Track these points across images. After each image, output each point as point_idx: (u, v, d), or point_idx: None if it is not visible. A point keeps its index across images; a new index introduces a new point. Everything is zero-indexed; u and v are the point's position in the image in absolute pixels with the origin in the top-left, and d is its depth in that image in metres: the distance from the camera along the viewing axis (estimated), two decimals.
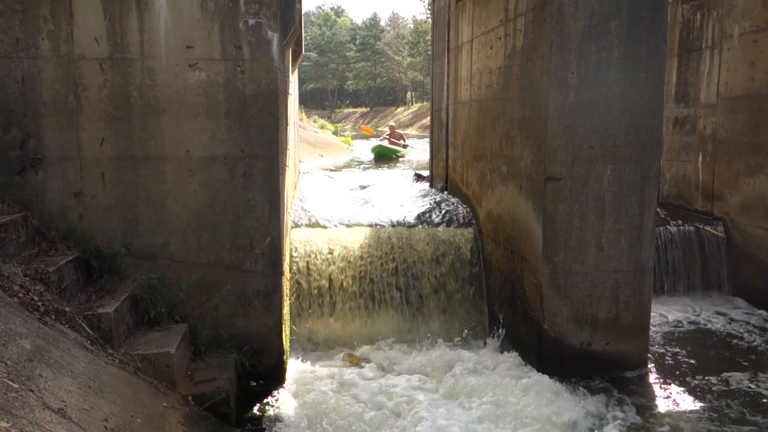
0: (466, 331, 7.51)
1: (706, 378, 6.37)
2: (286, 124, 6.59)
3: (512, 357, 6.67)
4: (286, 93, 6.36)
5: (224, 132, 5.54)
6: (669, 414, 5.69)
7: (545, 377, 6.03)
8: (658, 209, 8.56)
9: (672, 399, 5.96)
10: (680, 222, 9.19)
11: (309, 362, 6.61)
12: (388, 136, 25.05)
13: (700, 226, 9.12)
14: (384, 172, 16.07)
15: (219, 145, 5.54)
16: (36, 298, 4.30)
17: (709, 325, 7.94)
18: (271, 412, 5.30)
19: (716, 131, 9.23)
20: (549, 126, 6.05)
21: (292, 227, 7.70)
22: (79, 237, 5.35)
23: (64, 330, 4.21)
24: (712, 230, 9.09)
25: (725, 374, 6.43)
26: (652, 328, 7.30)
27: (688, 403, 5.88)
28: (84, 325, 4.48)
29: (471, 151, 8.74)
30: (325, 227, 8.03)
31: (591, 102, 6.01)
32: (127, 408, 3.81)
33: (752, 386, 6.16)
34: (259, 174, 5.62)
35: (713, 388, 6.13)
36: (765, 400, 5.85)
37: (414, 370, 6.49)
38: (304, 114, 28.76)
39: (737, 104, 8.80)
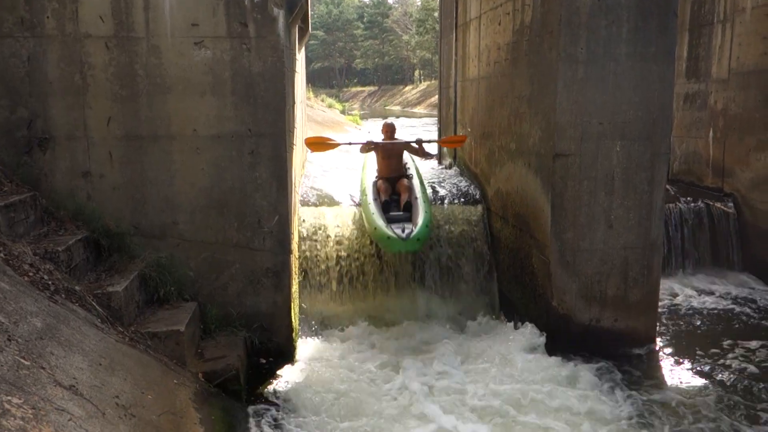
0: (474, 309, 7.50)
1: (714, 354, 6.37)
2: (293, 103, 6.56)
3: (523, 331, 6.65)
4: (292, 71, 6.33)
5: (231, 110, 5.52)
6: (676, 388, 5.72)
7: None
8: (667, 186, 8.50)
9: (679, 374, 5.98)
10: (690, 199, 9.13)
11: (319, 339, 6.65)
12: (380, 144, 9.30)
13: (710, 203, 9.06)
14: None
15: (226, 123, 5.52)
16: (46, 277, 4.32)
17: (718, 302, 7.91)
18: (281, 388, 5.34)
19: (728, 106, 9.12)
20: (558, 102, 5.99)
21: (300, 205, 7.69)
22: (88, 216, 5.37)
23: (74, 308, 4.24)
24: (722, 207, 9.02)
25: (733, 350, 6.43)
26: (661, 305, 7.28)
27: (695, 378, 5.89)
28: (94, 304, 4.50)
29: (479, 129, 8.69)
30: (333, 205, 8.03)
31: (600, 77, 5.95)
32: (137, 385, 3.84)
33: (759, 361, 6.15)
34: (266, 152, 5.60)
35: (721, 364, 6.13)
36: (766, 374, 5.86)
37: (423, 345, 6.52)
38: (311, 93, 28.63)
39: (749, 79, 8.68)
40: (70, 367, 3.39)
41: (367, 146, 8.20)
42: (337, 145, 8.38)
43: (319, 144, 8.31)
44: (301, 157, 9.19)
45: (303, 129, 10.48)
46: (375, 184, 8.00)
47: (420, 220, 6.82)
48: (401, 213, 7.37)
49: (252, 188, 5.63)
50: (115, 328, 4.51)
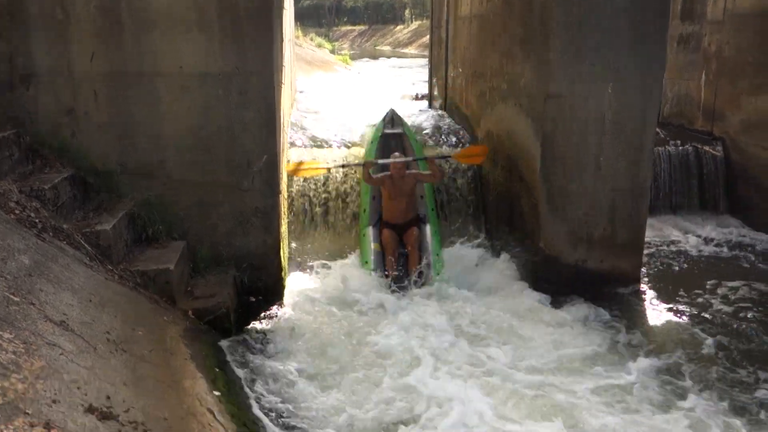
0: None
1: (697, 293, 6.51)
2: (282, 40, 6.43)
3: (510, 274, 6.75)
4: (280, 7, 6.18)
5: (218, 47, 5.39)
6: (658, 325, 5.91)
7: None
8: (657, 129, 8.47)
9: (662, 312, 6.14)
10: (679, 142, 9.13)
11: (307, 278, 6.70)
12: (386, 178, 7.02)
13: (699, 146, 9.07)
14: (382, 91, 15.83)
15: (213, 61, 5.41)
16: (33, 215, 4.30)
17: (703, 244, 8.03)
18: (270, 326, 5.41)
19: (721, 49, 9.03)
20: (551, 42, 5.91)
21: (289, 146, 7.64)
22: (74, 155, 5.30)
23: (62, 246, 4.24)
24: (710, 150, 9.04)
25: (715, 290, 6.58)
26: (647, 247, 7.38)
27: (677, 315, 6.06)
28: (82, 242, 4.50)
29: (470, 69, 8.59)
30: (322, 147, 7.99)
31: (595, 17, 5.85)
32: (128, 322, 3.88)
33: (738, 300, 6.33)
34: (254, 91, 5.51)
35: (702, 303, 6.29)
36: (751, 314, 6.03)
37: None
38: (300, 32, 28.08)
39: (745, 21, 8.57)
40: (60, 303, 3.41)
41: (373, 179, 6.87)
42: (326, 169, 7.26)
43: (303, 170, 7.01)
44: (290, 97, 9.07)
45: (292, 68, 10.32)
46: (377, 230, 6.82)
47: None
48: (407, 284, 6.40)
49: (240, 128, 5.56)
50: (104, 266, 4.52)
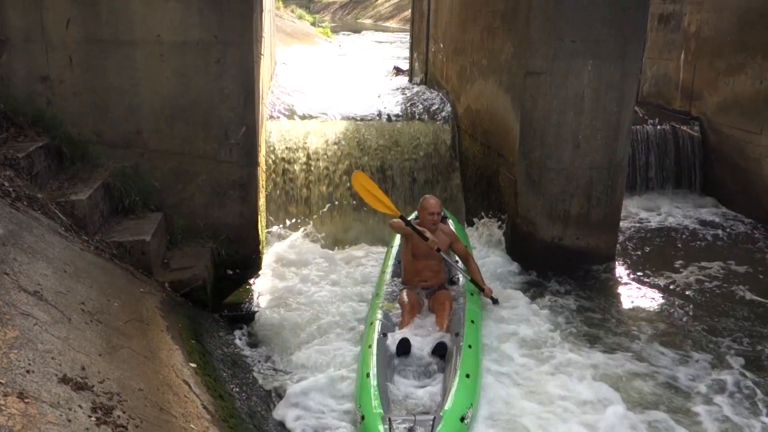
0: None
1: (670, 270, 6.64)
2: (261, 10, 6.34)
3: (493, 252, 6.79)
4: None
5: (196, 16, 5.30)
6: (629, 300, 6.06)
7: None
8: (636, 108, 8.55)
9: (634, 288, 6.28)
10: (657, 121, 9.21)
11: (285, 251, 6.69)
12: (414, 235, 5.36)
13: (677, 126, 9.15)
14: (362, 65, 15.71)
15: (191, 29, 5.32)
16: (6, 184, 4.23)
17: (678, 223, 8.15)
18: (246, 299, 5.42)
19: (701, 29, 9.08)
20: (532, 17, 5.90)
21: (268, 119, 7.58)
22: (49, 123, 5.21)
23: (36, 216, 4.18)
24: (688, 130, 9.13)
25: (687, 268, 6.71)
26: (623, 224, 7.47)
27: (648, 291, 6.20)
28: (57, 212, 4.45)
29: (452, 44, 8.55)
30: (302, 119, 7.93)
31: None
32: (103, 293, 3.85)
33: (709, 277, 6.45)
34: (233, 61, 5.44)
35: (675, 280, 6.41)
36: (720, 290, 6.17)
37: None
38: (281, 3, 27.71)
39: (725, 1, 8.61)
40: (34, 273, 3.38)
41: (402, 227, 5.33)
42: (389, 209, 5.53)
43: (367, 191, 5.58)
44: (269, 69, 8.98)
45: (271, 39, 10.20)
46: (395, 292, 5.31)
47: (449, 403, 3.77)
48: (424, 361, 4.47)
49: (218, 98, 5.50)
50: (79, 236, 4.47)
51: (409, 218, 5.42)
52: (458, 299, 5.19)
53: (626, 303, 5.97)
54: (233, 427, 3.49)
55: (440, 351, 4.44)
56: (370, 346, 4.39)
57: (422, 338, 4.63)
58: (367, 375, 4.06)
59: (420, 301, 5.15)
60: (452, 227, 5.86)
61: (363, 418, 3.72)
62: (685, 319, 5.58)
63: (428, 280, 5.30)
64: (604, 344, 5.09)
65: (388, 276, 5.58)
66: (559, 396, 4.24)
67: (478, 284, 5.30)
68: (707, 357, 4.94)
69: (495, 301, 5.32)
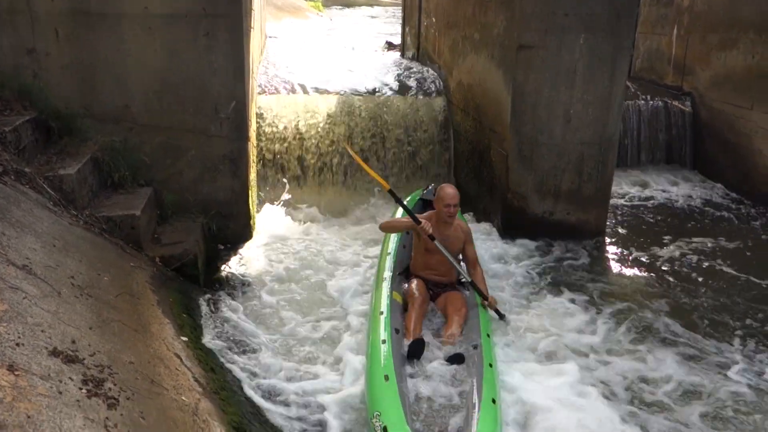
0: None
1: (659, 245, 6.66)
2: None
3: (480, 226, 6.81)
4: None
5: None
6: (618, 274, 6.07)
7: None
8: (628, 83, 8.54)
9: (623, 262, 6.30)
10: (649, 96, 9.20)
11: (277, 225, 6.68)
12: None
13: (668, 101, 9.15)
14: (354, 40, 15.56)
15: (179, 1, 5.26)
16: None
17: (668, 198, 8.18)
18: (237, 273, 5.42)
19: (694, 3, 9.03)
20: None
21: (259, 93, 7.52)
22: (36, 97, 5.15)
23: (24, 190, 4.15)
24: (679, 105, 9.13)
25: (675, 242, 6.74)
26: (614, 199, 7.49)
27: (637, 265, 6.21)
28: (46, 186, 4.41)
29: (444, 18, 8.48)
30: (292, 94, 7.86)
31: None
32: (93, 267, 3.84)
33: (698, 252, 6.48)
34: (222, 34, 5.38)
35: (663, 255, 6.43)
36: (707, 265, 6.21)
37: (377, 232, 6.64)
38: None
39: None
40: (22, 247, 3.36)
41: (396, 227, 5.15)
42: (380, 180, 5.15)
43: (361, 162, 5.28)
44: (259, 43, 8.89)
45: (261, 13, 10.08)
46: (403, 280, 4.94)
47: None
48: (438, 368, 4.04)
49: (208, 72, 5.45)
50: (68, 211, 4.45)
51: (414, 195, 5.52)
52: (471, 307, 4.68)
53: (615, 276, 6.00)
54: (225, 399, 3.51)
55: (457, 360, 4.06)
56: (383, 342, 3.98)
57: (433, 340, 4.31)
58: (386, 377, 3.64)
59: (427, 293, 4.70)
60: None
61: (385, 430, 3.33)
62: (671, 293, 5.61)
63: (443, 276, 4.82)
64: (590, 317, 5.12)
65: (389, 262, 5.11)
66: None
67: (482, 293, 4.78)
68: (690, 329, 4.99)
69: (501, 316, 4.81)
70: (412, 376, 3.92)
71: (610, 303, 5.34)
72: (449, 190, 4.81)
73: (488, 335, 4.31)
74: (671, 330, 4.95)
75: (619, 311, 5.20)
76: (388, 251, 5.25)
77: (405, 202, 5.22)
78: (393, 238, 5.40)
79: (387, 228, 5.07)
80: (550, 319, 4.96)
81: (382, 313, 4.31)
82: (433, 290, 4.78)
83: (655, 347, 4.69)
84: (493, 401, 3.59)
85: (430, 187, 6.37)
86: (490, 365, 3.92)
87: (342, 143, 5.59)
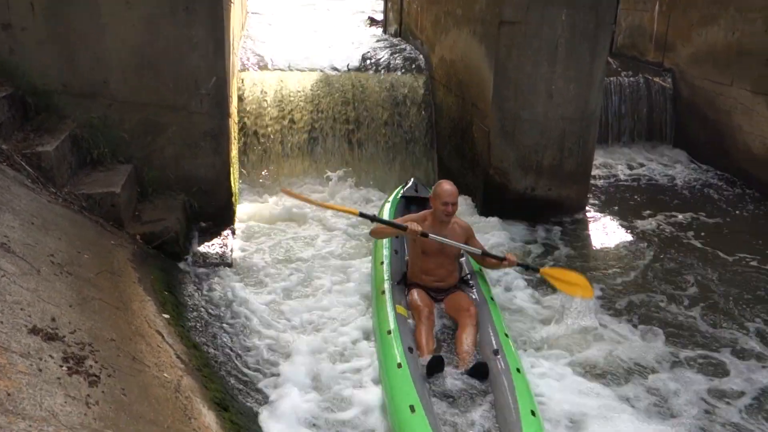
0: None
1: (638, 219, 6.79)
2: None
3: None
4: None
5: None
6: (598, 247, 6.21)
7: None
8: (610, 60, 8.55)
9: (603, 236, 6.42)
10: (630, 73, 9.22)
11: (259, 203, 6.67)
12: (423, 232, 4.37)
13: (649, 78, 9.18)
14: (336, 15, 15.41)
15: None
16: None
17: (649, 174, 8.27)
18: (219, 250, 5.40)
19: None
20: None
21: (240, 69, 7.45)
22: (11, 72, 5.06)
23: (1, 168, 4.10)
24: (660, 81, 9.16)
25: (654, 216, 6.86)
26: (594, 175, 7.54)
27: (616, 239, 6.33)
28: (23, 164, 4.36)
29: None
30: (274, 70, 7.80)
31: None
32: (73, 245, 3.82)
33: (676, 227, 6.60)
34: (202, 9, 5.30)
35: (643, 229, 6.54)
36: (686, 240, 6.32)
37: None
38: None
39: None
40: (0, 225, 3.33)
41: (386, 231, 4.62)
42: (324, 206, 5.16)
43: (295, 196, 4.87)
44: (240, 18, 8.78)
45: None
46: (403, 290, 4.52)
47: None
48: (460, 384, 3.68)
49: (188, 47, 5.37)
50: (47, 188, 4.40)
51: (395, 194, 5.56)
52: (480, 306, 4.31)
53: (595, 251, 6.09)
54: (207, 375, 3.52)
55: (481, 373, 3.68)
56: (399, 366, 3.60)
57: (450, 354, 3.98)
58: (412, 408, 3.25)
59: (431, 302, 4.35)
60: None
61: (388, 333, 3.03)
62: (649, 267, 5.69)
63: (443, 280, 4.48)
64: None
65: (384, 272, 4.67)
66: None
67: (497, 256, 4.47)
68: (668, 303, 5.08)
69: (530, 268, 4.62)
70: (435, 396, 3.56)
71: (592, 279, 5.40)
72: (447, 187, 4.40)
73: (506, 335, 3.98)
74: (653, 305, 5.04)
75: (597, 281, 5.28)
76: (381, 260, 4.84)
77: (388, 201, 5.39)
78: (384, 244, 5.01)
79: (377, 234, 4.63)
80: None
81: (389, 332, 3.95)
82: (435, 296, 4.45)
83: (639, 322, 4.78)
84: (533, 413, 3.26)
85: (410, 183, 6.18)
86: (518, 370, 3.62)
87: (280, 189, 5.66)
